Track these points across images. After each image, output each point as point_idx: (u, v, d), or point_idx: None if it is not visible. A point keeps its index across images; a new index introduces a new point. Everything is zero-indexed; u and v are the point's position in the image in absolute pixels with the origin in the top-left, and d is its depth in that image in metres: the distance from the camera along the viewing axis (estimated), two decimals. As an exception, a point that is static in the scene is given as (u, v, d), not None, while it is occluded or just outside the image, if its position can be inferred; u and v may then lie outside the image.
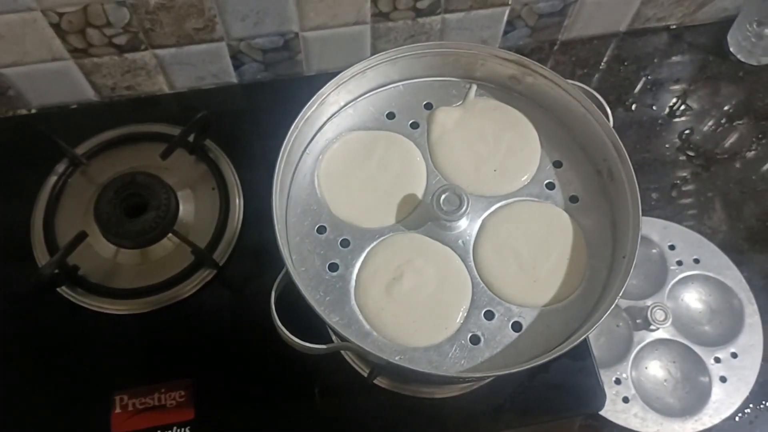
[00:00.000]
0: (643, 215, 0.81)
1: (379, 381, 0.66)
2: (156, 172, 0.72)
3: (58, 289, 0.68)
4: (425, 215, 0.52)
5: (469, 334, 0.49)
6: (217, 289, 0.70)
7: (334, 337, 0.47)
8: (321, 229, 0.52)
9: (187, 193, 0.74)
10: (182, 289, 0.69)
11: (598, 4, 0.89)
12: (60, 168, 0.74)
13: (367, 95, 0.56)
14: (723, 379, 0.75)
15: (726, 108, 0.92)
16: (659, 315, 0.76)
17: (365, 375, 0.66)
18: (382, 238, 0.51)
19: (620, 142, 0.51)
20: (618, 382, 0.75)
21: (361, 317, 0.49)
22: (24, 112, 0.85)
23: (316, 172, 0.54)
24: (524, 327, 0.49)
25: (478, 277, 0.51)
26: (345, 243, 0.51)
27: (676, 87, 0.93)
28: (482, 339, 0.49)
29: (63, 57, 0.80)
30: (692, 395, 0.75)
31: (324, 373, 0.67)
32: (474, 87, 0.57)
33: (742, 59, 0.93)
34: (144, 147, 0.76)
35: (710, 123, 0.91)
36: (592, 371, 0.67)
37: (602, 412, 0.74)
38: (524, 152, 0.55)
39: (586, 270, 0.51)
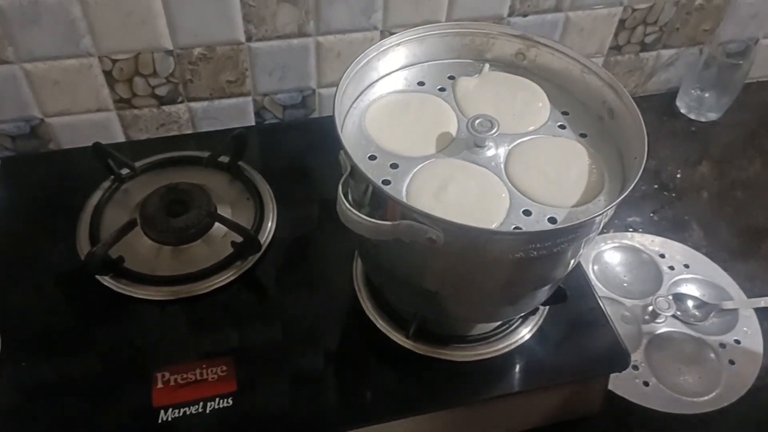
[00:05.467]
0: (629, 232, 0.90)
1: (415, 347, 0.68)
2: (195, 187, 0.79)
3: (97, 277, 0.71)
4: (461, 146, 0.60)
5: (512, 226, 0.55)
6: (254, 278, 0.74)
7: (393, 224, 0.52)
8: (372, 157, 0.59)
9: (225, 208, 0.80)
10: (221, 277, 0.72)
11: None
12: (105, 184, 0.80)
13: (399, 70, 0.67)
14: (731, 362, 0.80)
15: (686, 154, 1.05)
16: (663, 304, 0.82)
17: (400, 342, 0.69)
18: (426, 161, 0.59)
19: (615, 79, 0.62)
20: (636, 368, 0.78)
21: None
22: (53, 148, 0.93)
23: (363, 121, 0.62)
24: (558, 221, 0.56)
25: (513, 187, 0.58)
26: (394, 165, 0.59)
27: (641, 140, 1.07)
28: (523, 229, 0.55)
29: (107, 107, 0.90)
30: (705, 379, 0.79)
31: (361, 346, 0.70)
32: (487, 65, 0.68)
33: (693, 117, 1.09)
34: (181, 168, 0.83)
35: (675, 166, 1.04)
36: (611, 334, 0.71)
37: (627, 396, 0.76)
38: (535, 105, 0.65)
39: (604, 181, 0.59)
